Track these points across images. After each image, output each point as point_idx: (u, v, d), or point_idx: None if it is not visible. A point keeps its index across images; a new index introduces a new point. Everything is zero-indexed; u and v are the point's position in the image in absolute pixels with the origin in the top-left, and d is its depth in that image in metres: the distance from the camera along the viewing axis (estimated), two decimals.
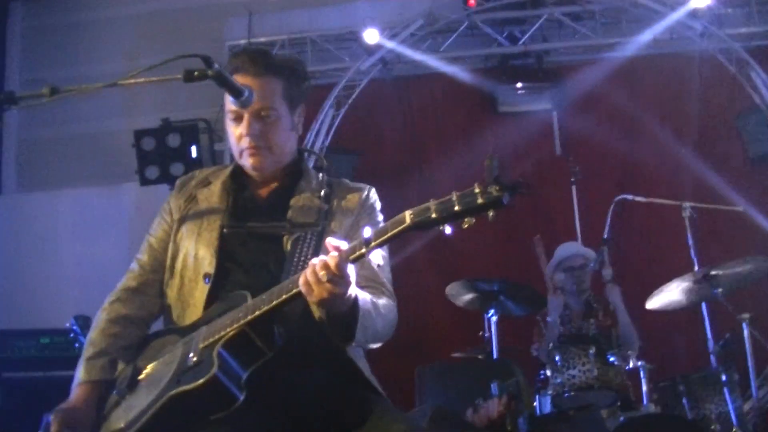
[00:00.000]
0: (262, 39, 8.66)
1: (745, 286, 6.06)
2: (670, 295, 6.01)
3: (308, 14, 8.93)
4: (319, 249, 2.79)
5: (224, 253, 2.87)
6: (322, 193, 3.00)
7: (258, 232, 2.91)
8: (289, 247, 2.83)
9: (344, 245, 2.41)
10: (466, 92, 8.80)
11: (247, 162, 2.98)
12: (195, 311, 2.83)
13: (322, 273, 2.37)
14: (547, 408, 5.65)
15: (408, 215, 2.27)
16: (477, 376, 5.67)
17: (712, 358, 5.91)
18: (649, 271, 7.62)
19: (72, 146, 9.40)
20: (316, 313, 2.60)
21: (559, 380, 5.66)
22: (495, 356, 6.23)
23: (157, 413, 2.47)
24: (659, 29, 8.36)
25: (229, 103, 2.88)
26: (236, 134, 2.96)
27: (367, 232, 2.37)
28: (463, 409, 5.12)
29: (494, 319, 6.28)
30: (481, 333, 6.63)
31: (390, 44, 8.47)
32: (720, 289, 5.73)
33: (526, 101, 8.68)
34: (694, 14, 8.23)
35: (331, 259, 2.38)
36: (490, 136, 8.57)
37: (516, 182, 2.17)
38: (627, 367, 5.65)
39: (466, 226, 2.23)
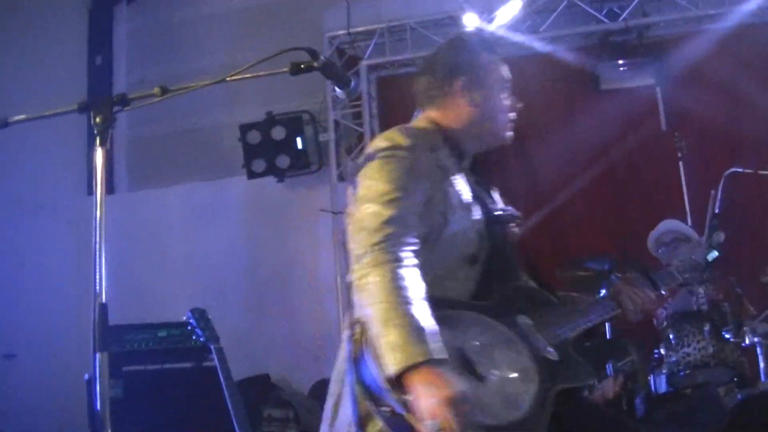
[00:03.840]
0: (361, 28, 8.70)
1: None
2: None
3: (405, 1, 8.92)
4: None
5: (489, 237, 2.93)
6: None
7: (502, 219, 3.06)
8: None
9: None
10: (566, 71, 8.67)
11: (507, 133, 3.18)
12: (455, 292, 2.78)
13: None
14: (663, 387, 5.59)
15: None
16: (590, 356, 5.66)
17: None
18: (763, 245, 7.44)
19: (177, 142, 9.60)
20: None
21: (673, 359, 5.59)
22: (608, 336, 6.20)
23: None
24: None
25: (504, 72, 3.16)
26: (509, 106, 3.18)
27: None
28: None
29: None
30: None
31: (489, 27, 8.38)
32: None
33: (629, 77, 8.53)
34: None
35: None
36: (593, 114, 8.47)
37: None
38: (743, 344, 5.55)
39: None
